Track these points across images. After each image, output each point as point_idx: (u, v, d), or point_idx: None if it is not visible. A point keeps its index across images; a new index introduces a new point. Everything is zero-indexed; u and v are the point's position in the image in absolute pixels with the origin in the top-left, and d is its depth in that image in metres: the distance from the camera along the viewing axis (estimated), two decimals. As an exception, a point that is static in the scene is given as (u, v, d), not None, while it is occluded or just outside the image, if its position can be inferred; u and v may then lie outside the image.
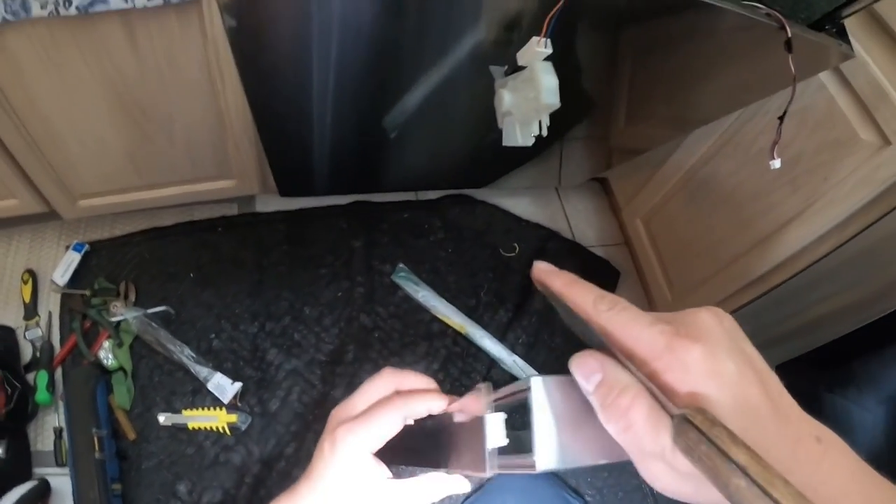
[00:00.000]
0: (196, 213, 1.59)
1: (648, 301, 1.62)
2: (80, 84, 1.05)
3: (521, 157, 1.49)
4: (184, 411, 1.29)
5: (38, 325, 1.37)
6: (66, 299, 1.40)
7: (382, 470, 0.48)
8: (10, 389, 1.21)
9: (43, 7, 0.87)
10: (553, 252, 1.69)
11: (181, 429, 1.28)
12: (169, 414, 1.28)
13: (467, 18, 0.92)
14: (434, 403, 0.48)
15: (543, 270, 0.39)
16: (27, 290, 1.41)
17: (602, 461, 0.39)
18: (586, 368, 0.34)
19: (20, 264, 1.46)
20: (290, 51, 1.00)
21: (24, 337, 1.35)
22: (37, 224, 1.51)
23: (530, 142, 0.83)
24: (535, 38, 0.72)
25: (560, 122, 1.19)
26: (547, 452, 0.38)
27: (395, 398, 0.48)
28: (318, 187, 1.57)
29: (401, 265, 1.57)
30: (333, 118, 1.19)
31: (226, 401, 1.31)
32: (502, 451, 0.43)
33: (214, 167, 1.36)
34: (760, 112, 1.14)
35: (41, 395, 1.26)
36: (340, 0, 0.85)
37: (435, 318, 1.51)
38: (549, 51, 0.72)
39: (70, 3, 0.88)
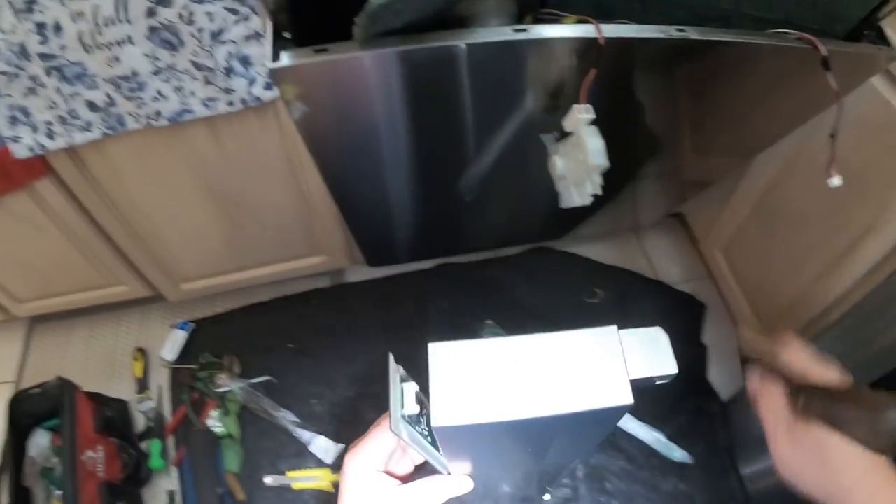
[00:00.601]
0: (291, 288, 1.67)
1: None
2: (174, 182, 1.14)
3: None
4: (288, 473, 1.34)
5: (149, 397, 1.47)
6: (175, 374, 1.50)
7: (388, 480, 0.54)
8: (126, 457, 1.30)
9: (136, 121, 0.97)
10: (635, 293, 1.67)
11: (286, 489, 1.33)
12: (275, 476, 1.34)
13: (516, 94, 0.96)
14: None
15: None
16: (138, 366, 1.52)
17: (505, 419, 0.42)
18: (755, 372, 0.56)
19: (130, 343, 1.58)
20: (358, 134, 1.05)
21: (137, 409, 1.45)
22: (144, 306, 1.63)
23: (588, 201, 0.85)
24: (576, 106, 0.75)
25: (630, 163, 1.20)
26: (443, 410, 0.41)
27: (383, 420, 0.55)
28: (403, 256, 1.61)
29: (488, 321, 1.59)
30: (410, 193, 1.23)
31: (329, 461, 1.36)
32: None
33: (304, 246, 1.44)
34: (819, 128, 1.12)
35: (155, 461, 1.35)
36: (399, 89, 0.91)
37: (525, 369, 1.52)
38: (592, 116, 0.74)
39: (160, 115, 0.97)
